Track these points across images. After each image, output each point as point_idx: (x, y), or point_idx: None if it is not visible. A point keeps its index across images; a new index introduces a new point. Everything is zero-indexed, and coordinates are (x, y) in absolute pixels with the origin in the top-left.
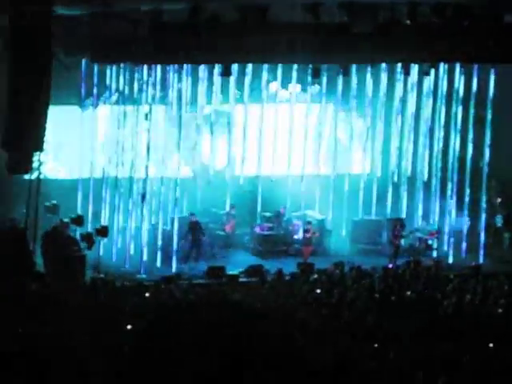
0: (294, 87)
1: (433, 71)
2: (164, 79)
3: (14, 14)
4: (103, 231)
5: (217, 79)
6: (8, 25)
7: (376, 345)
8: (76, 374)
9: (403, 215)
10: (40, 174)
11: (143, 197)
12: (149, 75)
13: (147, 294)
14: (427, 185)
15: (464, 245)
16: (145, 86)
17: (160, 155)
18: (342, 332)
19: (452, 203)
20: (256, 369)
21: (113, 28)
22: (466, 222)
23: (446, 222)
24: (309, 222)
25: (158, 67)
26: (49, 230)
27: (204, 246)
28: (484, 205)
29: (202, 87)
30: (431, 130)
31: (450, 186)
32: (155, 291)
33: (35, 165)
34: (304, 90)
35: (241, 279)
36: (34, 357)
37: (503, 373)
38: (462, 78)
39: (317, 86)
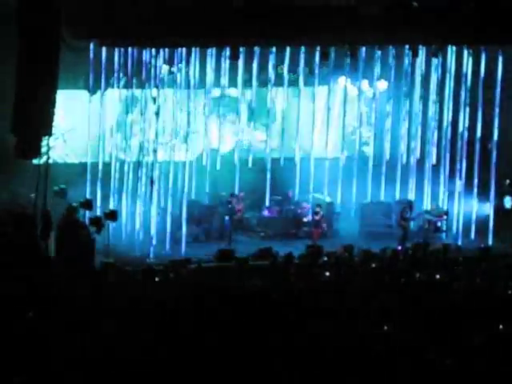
0: (303, 70)
1: (441, 53)
2: (172, 63)
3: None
4: (112, 215)
5: (225, 62)
6: (15, 9)
7: (386, 327)
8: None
9: (412, 197)
10: (48, 158)
11: (152, 181)
12: (157, 59)
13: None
14: (436, 167)
15: (473, 227)
16: (153, 70)
17: (168, 139)
18: (351, 314)
19: (461, 185)
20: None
21: (121, 11)
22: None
23: (455, 204)
24: (318, 205)
25: (166, 51)
26: (64, 215)
27: (213, 229)
28: (493, 186)
29: (210, 70)
30: (440, 113)
31: (458, 167)
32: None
33: (44, 149)
34: (312, 72)
35: (251, 262)
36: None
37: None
38: (470, 59)
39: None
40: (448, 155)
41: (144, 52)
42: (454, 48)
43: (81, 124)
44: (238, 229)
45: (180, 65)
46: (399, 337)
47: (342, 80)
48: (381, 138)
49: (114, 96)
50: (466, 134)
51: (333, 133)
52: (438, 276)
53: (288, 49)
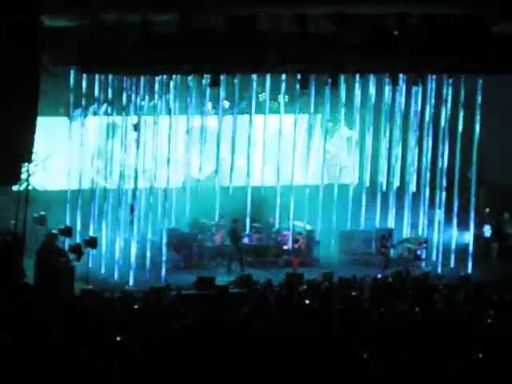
0: (283, 98)
1: (421, 81)
2: (152, 90)
3: (1, 23)
4: (92, 242)
5: (205, 90)
6: None
7: (365, 355)
8: None
9: (392, 225)
10: (28, 185)
11: (132, 208)
12: (137, 86)
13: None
14: (416, 195)
15: (453, 255)
16: (133, 97)
17: (149, 166)
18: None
19: (440, 213)
20: None
21: (101, 39)
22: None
23: (435, 232)
24: (298, 233)
25: (147, 78)
26: (44, 242)
27: (193, 257)
28: (472, 215)
29: (191, 98)
30: (420, 141)
31: (438, 196)
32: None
33: (23, 176)
34: (292, 100)
35: (230, 290)
36: None
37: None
38: (450, 88)
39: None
40: (428, 183)
41: (124, 79)
42: (434, 76)
43: (61, 151)
44: (217, 256)
45: (160, 92)
46: (379, 364)
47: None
48: (361, 166)
49: (95, 123)
50: (445, 162)
51: (313, 160)
52: (416, 303)
53: (268, 76)
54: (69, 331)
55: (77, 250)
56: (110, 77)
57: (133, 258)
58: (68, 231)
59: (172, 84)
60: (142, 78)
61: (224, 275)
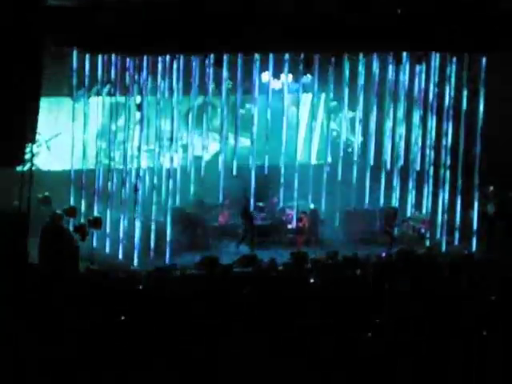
0: (286, 77)
1: (425, 60)
2: (155, 70)
3: (3, 3)
4: (96, 222)
5: (208, 70)
6: None
7: (369, 334)
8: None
9: (396, 204)
10: (32, 165)
11: (136, 188)
12: (140, 66)
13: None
14: (420, 174)
15: (457, 233)
16: (136, 77)
17: (152, 146)
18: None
19: (445, 192)
20: None
21: (104, 19)
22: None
23: (439, 210)
24: (302, 212)
25: (150, 58)
26: (48, 223)
27: (197, 237)
28: (476, 193)
29: (194, 78)
30: (424, 120)
31: (442, 174)
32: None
33: (27, 157)
34: (296, 80)
35: (234, 269)
36: None
37: (496, 359)
38: (454, 66)
39: (308, 76)
40: (432, 162)
41: (127, 59)
42: (438, 55)
43: (64, 131)
44: (222, 236)
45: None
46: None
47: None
48: (365, 145)
49: (98, 103)
50: (449, 140)
51: (317, 139)
52: (421, 282)
53: (272, 56)
54: (71, 310)
55: (81, 230)
56: (113, 57)
57: (137, 238)
58: (72, 211)
59: (175, 64)
60: (145, 59)
61: (231, 255)
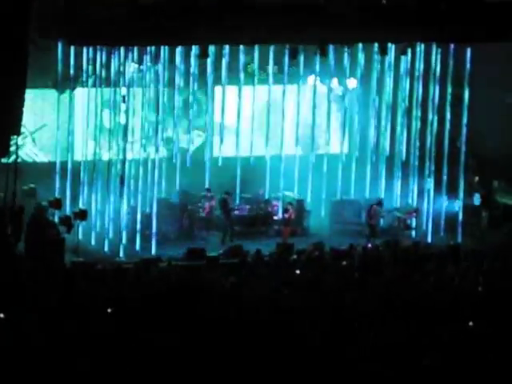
0: (272, 68)
1: (410, 50)
2: (141, 61)
3: None
4: (82, 214)
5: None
6: None
7: (355, 325)
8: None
9: (382, 195)
10: (17, 157)
11: (122, 179)
12: (126, 57)
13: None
14: (405, 164)
15: (443, 224)
16: (122, 69)
17: (138, 137)
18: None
19: (430, 182)
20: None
21: (89, 10)
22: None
23: (425, 201)
24: (288, 203)
25: (135, 49)
26: (33, 214)
27: (183, 228)
28: (462, 184)
29: (179, 69)
30: (409, 110)
31: (428, 165)
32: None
33: (12, 148)
34: (281, 71)
35: (221, 261)
36: None
37: (482, 350)
38: (439, 57)
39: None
40: (417, 153)
41: (113, 51)
42: (423, 45)
43: (49, 123)
44: (207, 227)
45: (149, 64)
46: (369, 334)
47: (311, 79)
48: (351, 136)
49: (83, 95)
50: (434, 131)
51: (302, 131)
52: (407, 273)
53: (257, 47)
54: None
55: (67, 222)
56: (98, 49)
57: (123, 230)
58: (57, 203)
59: (161, 55)
60: (130, 50)
61: (215, 246)
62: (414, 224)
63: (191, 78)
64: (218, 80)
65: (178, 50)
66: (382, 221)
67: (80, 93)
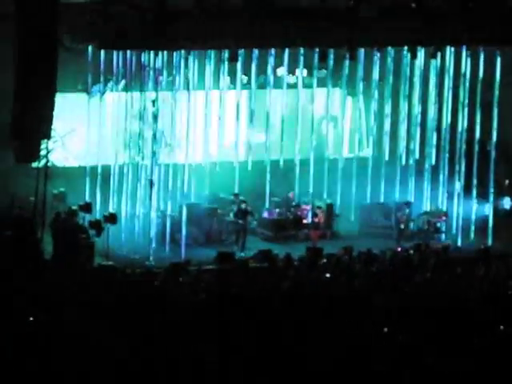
0: (301, 72)
1: (439, 54)
2: (170, 65)
3: (19, 0)
4: (112, 218)
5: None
6: (14, 12)
7: (385, 329)
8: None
9: (411, 198)
10: (48, 161)
11: (151, 183)
12: (155, 61)
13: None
14: (435, 168)
15: (472, 227)
16: (151, 73)
17: (168, 141)
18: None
19: (460, 186)
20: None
21: (119, 14)
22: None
23: (455, 204)
24: (318, 207)
25: (165, 53)
26: (53, 218)
27: (212, 232)
28: (492, 187)
29: (209, 73)
30: (439, 114)
31: (457, 168)
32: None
33: (43, 153)
34: (311, 74)
35: (250, 264)
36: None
37: None
38: (469, 60)
39: (323, 71)
40: (447, 156)
41: (143, 54)
42: (453, 49)
43: (80, 127)
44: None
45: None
46: (399, 338)
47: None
48: (380, 139)
49: (113, 99)
50: (464, 134)
51: (331, 134)
52: (437, 277)
53: (287, 51)
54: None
55: (96, 226)
56: (128, 52)
57: (153, 234)
58: (87, 207)
59: (190, 59)
60: (160, 54)
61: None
62: (443, 228)
63: (220, 81)
64: (246, 83)
65: (208, 53)
66: (411, 224)
67: (110, 97)
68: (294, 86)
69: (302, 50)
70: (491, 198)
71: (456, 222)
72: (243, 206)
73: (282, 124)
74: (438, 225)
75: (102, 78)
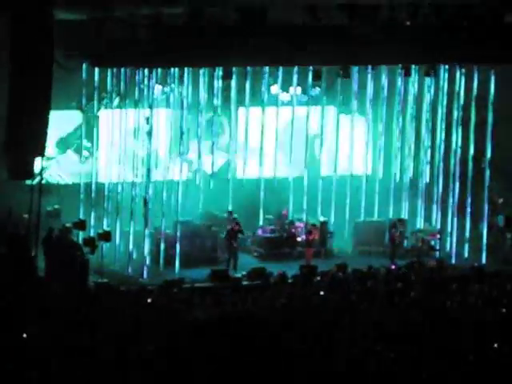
0: (295, 89)
1: (433, 72)
2: (165, 83)
3: (14, 18)
4: (106, 235)
5: (217, 82)
6: (9, 29)
7: (379, 347)
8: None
9: (405, 216)
10: (42, 178)
11: (145, 200)
12: (149, 79)
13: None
14: (429, 186)
15: (466, 245)
16: (146, 90)
17: (162, 158)
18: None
19: (454, 204)
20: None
21: (113, 32)
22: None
23: (448, 222)
24: (312, 224)
25: (159, 71)
26: (47, 235)
27: (206, 250)
28: (486, 205)
29: (203, 90)
30: (432, 131)
31: (451, 186)
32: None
33: (37, 170)
34: (304, 92)
35: (244, 282)
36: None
37: (508, 372)
38: (463, 78)
39: (317, 89)
40: (441, 173)
41: (137, 72)
42: (447, 67)
43: (73, 144)
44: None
45: (173, 85)
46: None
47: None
48: (374, 157)
49: (107, 116)
50: (458, 152)
51: (326, 152)
52: (431, 294)
53: (281, 69)
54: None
55: (91, 243)
56: (122, 70)
57: (146, 251)
58: (82, 225)
59: (185, 77)
60: (154, 71)
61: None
62: (437, 245)
63: (215, 99)
64: (241, 101)
65: (202, 71)
66: (405, 242)
67: (104, 114)
68: (288, 103)
69: (295, 68)
70: (485, 216)
71: (450, 239)
72: (235, 226)
73: (276, 142)
74: (432, 242)
75: (95, 95)
